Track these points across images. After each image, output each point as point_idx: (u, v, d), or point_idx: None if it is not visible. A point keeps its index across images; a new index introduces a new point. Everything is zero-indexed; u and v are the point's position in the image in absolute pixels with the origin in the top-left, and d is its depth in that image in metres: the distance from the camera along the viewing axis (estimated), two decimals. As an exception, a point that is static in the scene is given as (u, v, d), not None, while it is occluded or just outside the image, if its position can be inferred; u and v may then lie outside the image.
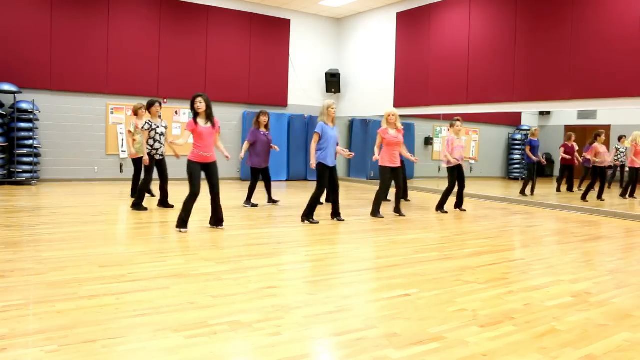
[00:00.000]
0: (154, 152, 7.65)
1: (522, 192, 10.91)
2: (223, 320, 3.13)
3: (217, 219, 6.25)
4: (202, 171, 6.01)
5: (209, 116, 5.94)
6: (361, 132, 14.49)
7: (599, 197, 10.22)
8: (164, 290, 3.71)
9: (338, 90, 14.46)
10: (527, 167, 11.10)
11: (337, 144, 7.14)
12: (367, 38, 13.93)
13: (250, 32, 13.24)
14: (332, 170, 6.94)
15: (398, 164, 7.69)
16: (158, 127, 7.64)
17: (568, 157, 11.69)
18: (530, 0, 10.06)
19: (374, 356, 2.70)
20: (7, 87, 10.08)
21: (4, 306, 3.22)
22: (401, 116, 12.84)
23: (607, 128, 12.00)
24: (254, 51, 13.31)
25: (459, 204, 8.65)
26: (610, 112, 14.16)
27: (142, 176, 7.94)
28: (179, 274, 4.16)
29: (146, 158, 7.57)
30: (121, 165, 11.80)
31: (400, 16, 12.88)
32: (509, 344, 2.94)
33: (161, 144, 7.68)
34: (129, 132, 8.53)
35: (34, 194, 9.15)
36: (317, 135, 6.87)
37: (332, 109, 7.01)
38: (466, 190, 8.79)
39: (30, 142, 10.34)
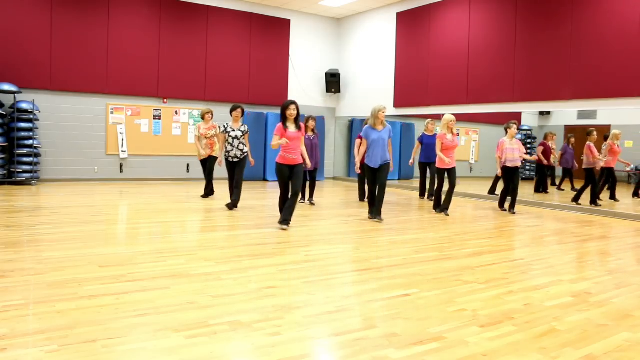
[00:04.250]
0: (226, 154, 7.98)
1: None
2: (223, 320, 3.13)
3: (284, 218, 6.40)
4: (289, 172, 6.41)
5: (297, 122, 6.39)
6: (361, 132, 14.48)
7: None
8: (164, 290, 3.71)
9: (338, 90, 14.46)
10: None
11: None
12: (367, 38, 13.93)
13: (250, 32, 13.24)
14: (375, 171, 7.24)
15: (452, 165, 8.21)
16: (234, 130, 7.88)
17: (543, 158, 11.73)
18: (530, 0, 10.06)
19: (374, 356, 2.70)
20: (7, 87, 10.08)
21: (4, 306, 3.22)
22: (401, 116, 12.84)
23: (607, 128, 12.00)
24: (254, 51, 13.31)
25: (513, 206, 8.82)
26: (611, 112, 14.17)
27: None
28: (179, 274, 4.16)
29: (222, 159, 8.10)
30: (121, 165, 11.80)
31: (400, 16, 12.88)
32: (509, 344, 2.94)
33: (232, 146, 7.88)
34: (197, 136, 9.09)
35: (34, 194, 9.15)
36: (360, 139, 7.39)
37: (382, 112, 7.34)
38: (466, 190, 8.80)
39: (30, 142, 10.33)
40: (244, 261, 4.66)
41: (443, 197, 8.41)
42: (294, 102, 6.37)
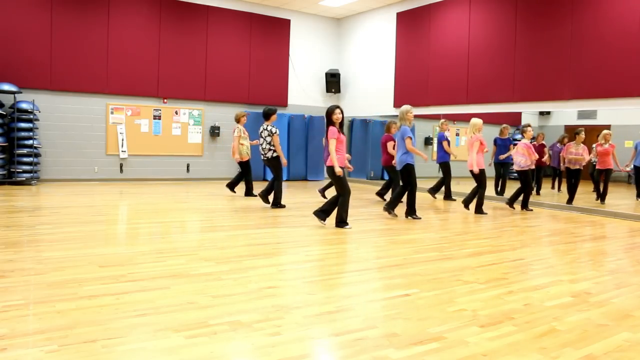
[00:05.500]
0: (261, 154, 8.36)
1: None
2: (223, 320, 3.13)
3: (337, 218, 6.65)
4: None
5: (342, 126, 6.61)
6: (361, 132, 14.50)
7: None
8: (164, 290, 3.71)
9: (338, 90, 14.46)
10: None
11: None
12: (367, 38, 13.93)
13: (250, 32, 13.24)
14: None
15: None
16: (263, 130, 8.23)
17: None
18: (530, 0, 10.06)
19: (374, 356, 2.70)
20: (7, 87, 10.08)
21: (4, 306, 3.22)
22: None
23: (607, 128, 11.99)
24: (254, 51, 13.31)
25: (524, 204, 9.15)
26: (611, 112, 14.17)
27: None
28: (179, 274, 4.16)
29: (284, 160, 8.32)
30: (121, 165, 11.81)
31: (400, 16, 12.88)
32: (509, 344, 2.94)
33: (262, 147, 8.26)
34: (235, 137, 9.48)
35: (34, 194, 9.15)
36: (409, 139, 7.46)
37: (411, 113, 7.56)
38: (466, 190, 8.80)
39: (30, 142, 10.33)
40: (244, 261, 4.66)
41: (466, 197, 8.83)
42: (339, 107, 6.53)
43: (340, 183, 6.51)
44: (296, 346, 2.80)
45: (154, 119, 12.13)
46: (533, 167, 9.04)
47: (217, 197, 9.20)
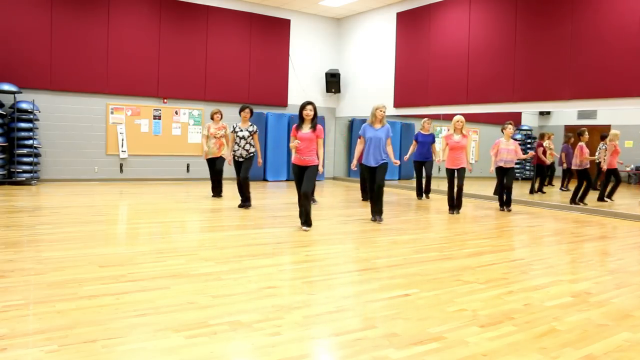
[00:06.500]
0: (233, 153, 8.03)
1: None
2: (223, 320, 3.13)
3: (306, 220, 6.36)
4: (299, 173, 6.33)
5: (314, 122, 6.34)
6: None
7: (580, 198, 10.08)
8: (164, 290, 3.71)
9: (338, 90, 14.46)
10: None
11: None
12: (367, 38, 13.93)
13: (250, 32, 13.24)
14: (372, 170, 7.12)
15: (458, 166, 8.28)
16: (241, 130, 7.93)
17: (545, 158, 11.73)
18: (530, 0, 10.06)
19: (374, 356, 2.70)
20: (7, 87, 10.07)
21: (4, 306, 3.22)
22: (401, 116, 12.80)
23: (607, 128, 11.99)
24: (254, 51, 13.30)
25: (507, 203, 9.01)
26: (611, 112, 14.16)
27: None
28: (179, 274, 4.16)
29: (230, 158, 8.10)
30: (121, 165, 11.80)
31: (400, 16, 12.88)
32: (509, 344, 2.94)
33: (239, 146, 7.92)
34: (205, 135, 9.09)
35: (34, 194, 9.15)
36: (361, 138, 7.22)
37: (380, 110, 7.16)
38: (466, 190, 8.84)
39: (30, 142, 10.33)
40: (244, 261, 4.66)
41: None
42: (310, 103, 6.37)
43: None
44: (296, 346, 2.80)
45: (154, 119, 12.13)
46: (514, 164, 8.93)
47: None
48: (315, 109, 6.36)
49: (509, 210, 8.89)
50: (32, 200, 8.31)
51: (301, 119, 6.34)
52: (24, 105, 10.22)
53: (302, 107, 6.33)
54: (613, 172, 10.21)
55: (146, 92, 11.98)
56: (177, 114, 12.38)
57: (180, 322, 3.07)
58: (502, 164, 8.71)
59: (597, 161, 10.36)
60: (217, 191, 9.26)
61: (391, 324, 3.18)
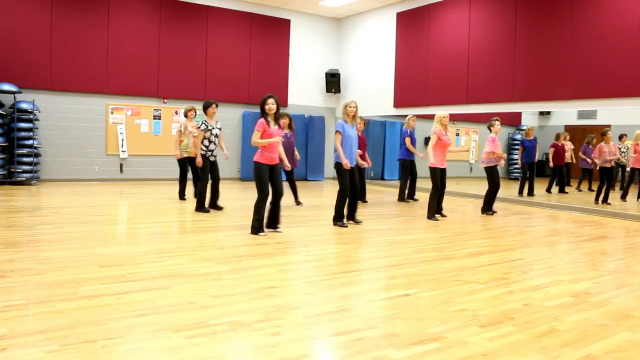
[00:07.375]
0: (209, 153, 7.58)
1: (520, 193, 10.94)
2: (223, 320, 3.13)
3: (275, 222, 6.15)
4: (269, 173, 5.92)
5: (277, 118, 5.97)
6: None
7: (603, 199, 9.98)
8: (164, 290, 3.71)
9: (338, 90, 14.46)
10: (522, 167, 11.18)
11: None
12: (367, 38, 13.93)
13: (250, 32, 13.24)
14: (352, 169, 6.76)
15: (445, 166, 7.71)
16: (213, 128, 7.60)
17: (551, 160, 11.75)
18: (530, 0, 10.06)
19: (374, 356, 2.70)
20: (7, 87, 10.08)
21: (4, 306, 3.22)
22: (401, 116, 12.78)
23: (607, 128, 12.00)
24: (254, 51, 13.30)
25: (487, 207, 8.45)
26: (611, 112, 14.16)
27: (187, 177, 8.77)
28: (179, 274, 4.16)
29: (199, 159, 7.51)
30: (121, 165, 11.80)
31: (400, 16, 12.88)
32: (509, 344, 2.94)
33: (215, 145, 7.64)
34: (179, 132, 8.69)
35: (34, 194, 9.15)
36: (337, 133, 6.69)
37: (350, 107, 6.69)
38: (466, 190, 8.79)
39: (30, 142, 10.33)
40: (244, 261, 4.66)
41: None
42: (272, 96, 5.87)
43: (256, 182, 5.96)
44: (296, 346, 2.80)
45: (154, 119, 12.13)
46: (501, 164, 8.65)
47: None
48: (277, 102, 5.89)
49: (491, 214, 8.37)
50: (32, 200, 8.31)
51: (265, 113, 5.83)
52: (24, 105, 10.22)
53: (264, 100, 5.83)
54: (639, 171, 10.38)
55: (146, 92, 11.98)
56: (177, 114, 12.37)
57: (180, 322, 3.07)
58: (493, 164, 8.30)
59: (620, 162, 10.59)
60: (183, 194, 8.82)
61: (391, 324, 3.18)
